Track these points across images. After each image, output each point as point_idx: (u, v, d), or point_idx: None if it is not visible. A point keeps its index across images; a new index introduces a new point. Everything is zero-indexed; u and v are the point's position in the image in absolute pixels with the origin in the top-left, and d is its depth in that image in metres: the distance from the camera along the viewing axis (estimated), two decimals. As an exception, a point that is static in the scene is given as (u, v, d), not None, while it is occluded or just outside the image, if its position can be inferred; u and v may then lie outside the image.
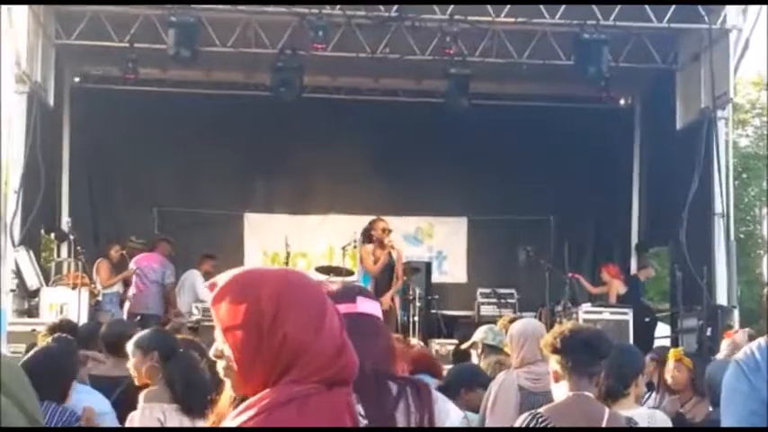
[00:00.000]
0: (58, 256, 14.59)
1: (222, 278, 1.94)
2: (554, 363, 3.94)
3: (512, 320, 6.93)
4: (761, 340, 2.17)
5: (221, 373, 1.94)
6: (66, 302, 11.28)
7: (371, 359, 2.57)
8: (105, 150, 15.42)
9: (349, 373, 1.92)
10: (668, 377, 6.50)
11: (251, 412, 1.83)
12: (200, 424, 4.46)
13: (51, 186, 13.76)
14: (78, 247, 12.05)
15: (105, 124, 15.09)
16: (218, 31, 13.41)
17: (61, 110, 14.78)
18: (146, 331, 5.44)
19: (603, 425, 3.80)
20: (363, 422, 2.04)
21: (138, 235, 14.26)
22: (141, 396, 4.82)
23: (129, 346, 5.11)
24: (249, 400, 1.87)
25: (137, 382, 5.04)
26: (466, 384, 5.91)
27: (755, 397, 2.08)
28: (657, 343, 11.87)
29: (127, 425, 4.84)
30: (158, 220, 15.18)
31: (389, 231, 12.07)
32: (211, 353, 1.97)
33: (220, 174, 15.54)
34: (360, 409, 2.12)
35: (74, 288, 11.45)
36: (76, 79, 15.47)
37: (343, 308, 2.51)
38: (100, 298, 12.46)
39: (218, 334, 1.92)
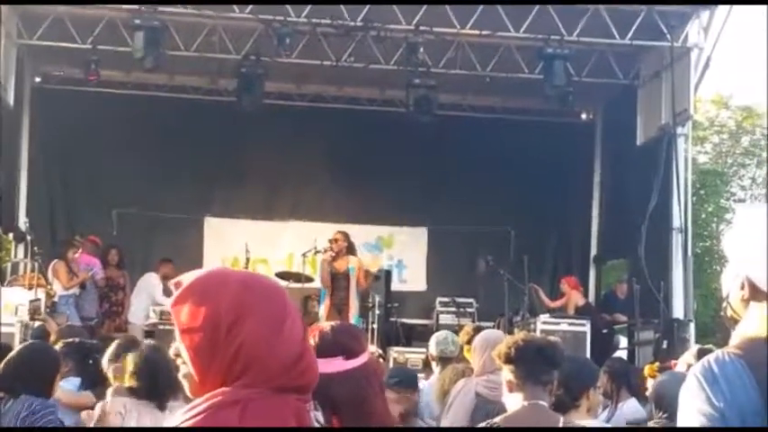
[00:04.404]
0: (15, 256, 14.44)
1: (186, 278, 1.93)
2: (507, 372, 3.96)
3: (475, 329, 6.97)
4: (719, 352, 2.19)
5: (181, 373, 1.94)
6: (21, 303, 11.12)
7: None
8: (65, 151, 15.29)
9: (307, 381, 1.92)
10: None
11: (195, 411, 1.83)
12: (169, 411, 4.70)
13: (9, 186, 13.62)
14: (35, 248, 11.93)
15: (66, 125, 14.97)
16: (182, 35, 13.36)
17: (21, 110, 14.61)
18: (112, 346, 5.65)
19: (559, 434, 3.84)
20: None
21: (100, 238, 14.18)
22: (109, 391, 5.07)
23: (105, 363, 5.37)
24: (197, 399, 1.88)
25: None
26: None
27: (712, 410, 2.10)
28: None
29: (96, 411, 4.98)
30: (117, 222, 15.00)
31: (337, 241, 12.13)
32: (171, 352, 1.98)
33: (182, 178, 15.46)
34: (319, 416, 2.06)
35: (30, 289, 11.33)
36: (37, 79, 15.30)
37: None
38: (56, 299, 12.34)
39: (177, 334, 1.92)
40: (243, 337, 1.85)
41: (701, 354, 5.44)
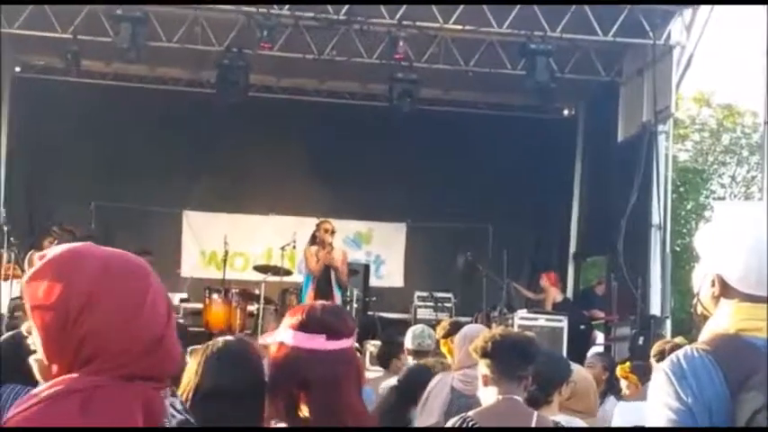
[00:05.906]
0: (-9, 247, 14.33)
1: (50, 252, 1.85)
2: (483, 367, 3.96)
3: (452, 324, 6.95)
4: (688, 348, 2.20)
5: (33, 357, 1.85)
6: (-2, 296, 11.07)
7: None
8: (44, 142, 15.15)
9: (165, 369, 1.85)
10: (625, 392, 7.20)
11: (34, 400, 1.75)
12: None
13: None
14: (11, 239, 11.85)
15: (45, 115, 14.85)
16: (164, 26, 13.28)
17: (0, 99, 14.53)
18: None
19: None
20: (179, 417, 1.89)
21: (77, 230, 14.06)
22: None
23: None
24: (38, 387, 1.80)
25: None
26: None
27: (679, 404, 2.11)
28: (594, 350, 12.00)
29: None
30: (96, 214, 14.94)
31: (332, 232, 11.98)
32: (23, 328, 1.90)
33: (161, 170, 15.35)
34: (176, 402, 1.93)
35: (5, 280, 11.25)
36: (17, 69, 15.21)
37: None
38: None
39: (28, 311, 1.83)
40: (91, 323, 1.77)
41: (667, 348, 5.54)
